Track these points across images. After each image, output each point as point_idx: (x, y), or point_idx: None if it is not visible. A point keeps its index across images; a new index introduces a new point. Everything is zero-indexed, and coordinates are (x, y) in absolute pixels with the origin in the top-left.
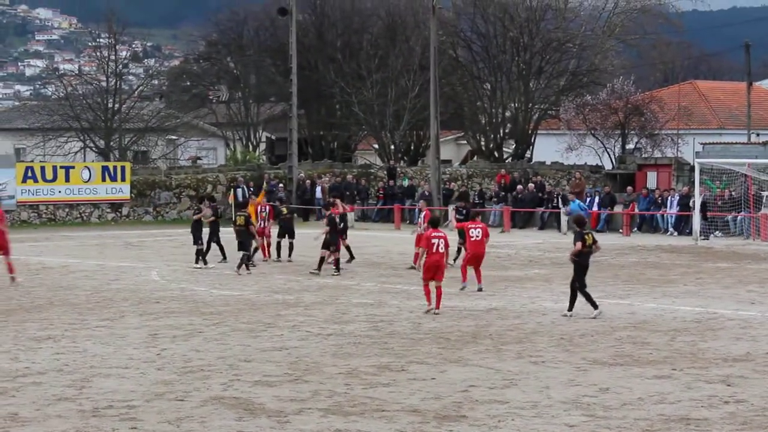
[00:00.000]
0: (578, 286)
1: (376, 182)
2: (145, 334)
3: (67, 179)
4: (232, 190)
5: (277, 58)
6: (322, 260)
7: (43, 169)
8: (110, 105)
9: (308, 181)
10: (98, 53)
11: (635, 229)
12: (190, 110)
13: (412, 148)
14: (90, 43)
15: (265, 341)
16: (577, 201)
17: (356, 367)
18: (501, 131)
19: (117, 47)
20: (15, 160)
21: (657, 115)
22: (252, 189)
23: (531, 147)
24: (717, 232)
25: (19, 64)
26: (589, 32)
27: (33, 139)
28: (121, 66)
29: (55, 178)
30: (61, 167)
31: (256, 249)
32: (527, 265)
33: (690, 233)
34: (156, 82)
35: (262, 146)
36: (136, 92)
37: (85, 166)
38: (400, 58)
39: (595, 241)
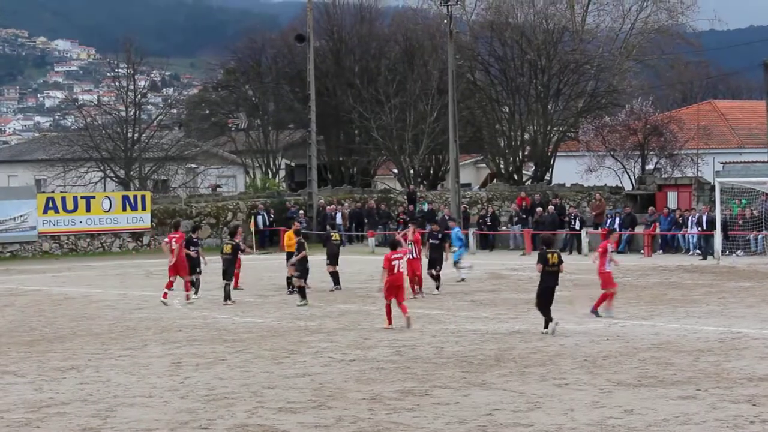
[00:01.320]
0: (537, 303)
1: (396, 207)
2: (169, 362)
3: (88, 209)
4: (252, 217)
5: (296, 85)
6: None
7: (63, 199)
8: (130, 134)
9: (329, 207)
10: (117, 83)
11: (658, 250)
12: (210, 138)
13: (432, 172)
14: (109, 74)
15: (288, 368)
16: (456, 228)
17: (380, 392)
18: (520, 154)
19: (135, 77)
20: (36, 191)
21: (676, 135)
22: (272, 216)
23: (550, 169)
24: (739, 251)
25: (39, 95)
26: (606, 53)
27: (53, 170)
28: (140, 95)
29: (75, 209)
30: (82, 197)
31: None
32: None
33: (711, 253)
34: (175, 111)
35: (282, 173)
36: (155, 121)
37: (106, 196)
38: (418, 82)
39: (561, 261)
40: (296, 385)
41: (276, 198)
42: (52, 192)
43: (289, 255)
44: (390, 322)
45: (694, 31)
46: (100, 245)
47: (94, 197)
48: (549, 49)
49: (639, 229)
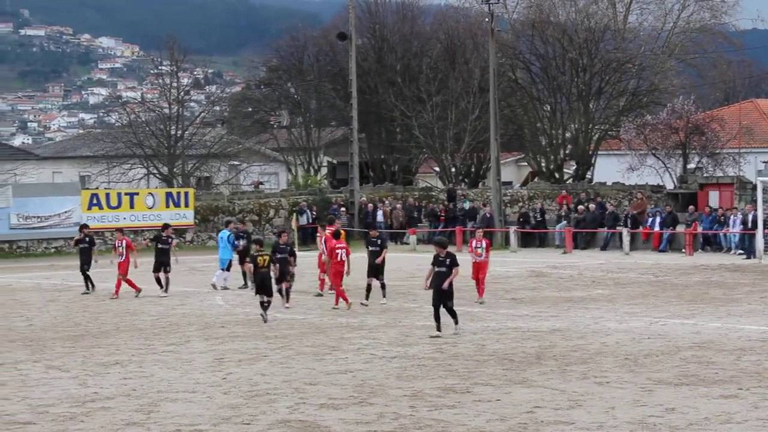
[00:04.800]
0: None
1: (438, 205)
2: (211, 358)
3: (132, 206)
4: (295, 214)
5: (337, 83)
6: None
7: (107, 196)
8: (173, 132)
9: (370, 205)
10: (160, 81)
11: (699, 249)
12: (252, 136)
13: (473, 170)
14: (152, 71)
15: (330, 364)
16: (227, 231)
17: (421, 389)
18: (561, 152)
19: (179, 74)
20: (80, 187)
21: (718, 134)
22: (315, 213)
23: (592, 167)
24: None
25: (83, 92)
26: (648, 52)
27: (97, 167)
28: (183, 93)
29: (119, 205)
30: (126, 194)
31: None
32: (590, 286)
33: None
34: (218, 108)
35: (324, 170)
36: (198, 119)
37: (149, 193)
38: (460, 80)
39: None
40: (338, 382)
41: (318, 195)
42: (96, 188)
43: None
44: (348, 301)
45: (736, 30)
46: (143, 241)
47: (137, 194)
48: (591, 47)
49: (680, 228)
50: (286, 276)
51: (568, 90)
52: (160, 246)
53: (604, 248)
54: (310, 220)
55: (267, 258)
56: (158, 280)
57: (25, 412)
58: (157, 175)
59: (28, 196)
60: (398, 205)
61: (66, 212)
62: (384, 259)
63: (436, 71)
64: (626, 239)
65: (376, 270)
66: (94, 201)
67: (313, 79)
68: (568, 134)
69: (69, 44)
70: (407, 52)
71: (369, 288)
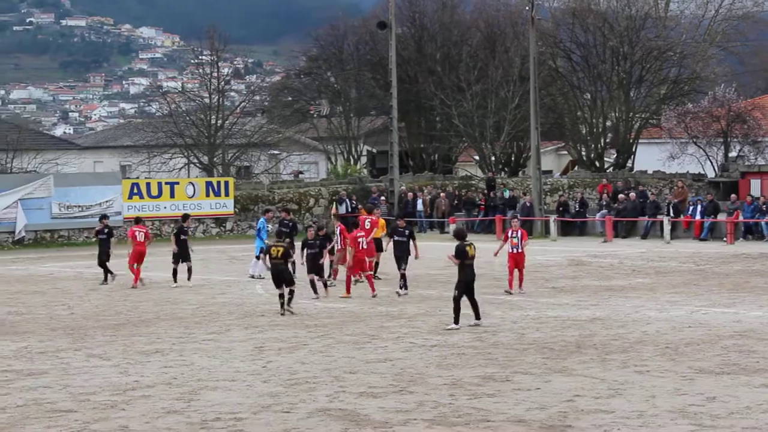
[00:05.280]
0: (455, 295)
1: (477, 194)
2: (251, 346)
3: (172, 195)
4: (334, 203)
5: (377, 72)
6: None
7: (148, 185)
8: (213, 121)
9: (410, 194)
10: (201, 70)
11: (740, 237)
12: (292, 125)
13: (513, 158)
14: (192, 61)
15: (369, 353)
16: (263, 219)
17: (460, 377)
18: (602, 141)
19: (219, 64)
20: (121, 176)
21: (760, 122)
22: (355, 202)
23: (632, 156)
24: None
25: (124, 82)
26: (689, 40)
27: (138, 156)
28: (223, 82)
29: (160, 194)
30: (166, 183)
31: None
32: (630, 275)
33: None
34: (258, 97)
35: (363, 159)
36: (238, 108)
37: (190, 182)
38: (500, 69)
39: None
40: (377, 370)
41: (357, 184)
42: (137, 178)
43: (377, 241)
44: (349, 292)
45: None
46: None
47: (178, 183)
48: (632, 35)
49: (721, 217)
50: (316, 271)
51: (609, 78)
52: (182, 237)
53: (644, 237)
54: (350, 210)
55: (281, 249)
56: (175, 273)
57: (67, 399)
58: (198, 165)
59: (69, 186)
60: (442, 194)
61: (107, 201)
62: (410, 250)
63: (476, 60)
64: (667, 228)
65: (400, 260)
66: (135, 190)
67: (353, 69)
68: (608, 123)
69: (110, 34)
70: (447, 40)
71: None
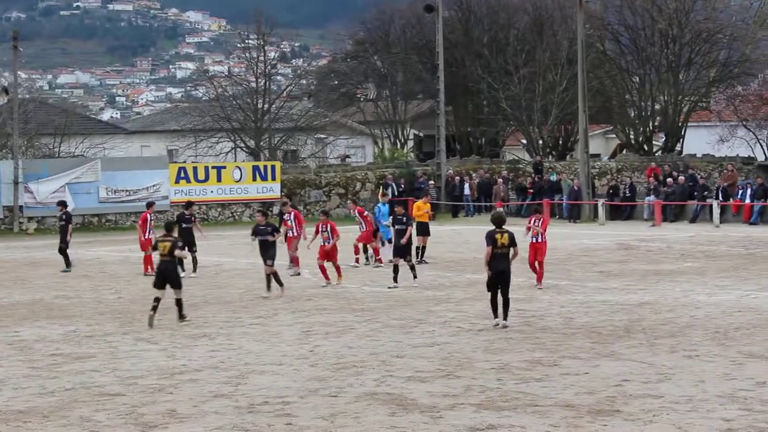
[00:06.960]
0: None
1: (525, 178)
2: (298, 331)
3: (219, 179)
4: (381, 187)
5: (424, 55)
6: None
7: (195, 169)
8: (260, 105)
9: (457, 178)
10: (247, 54)
11: None
12: (339, 109)
13: (561, 142)
14: (239, 45)
15: (416, 337)
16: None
17: (508, 362)
18: (650, 124)
19: (265, 48)
20: (168, 161)
21: None
22: (403, 186)
23: (681, 139)
24: None
25: (171, 67)
26: (739, 22)
27: (185, 140)
28: (269, 67)
29: (207, 179)
30: (213, 167)
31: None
32: (679, 259)
33: None
34: (304, 81)
35: (410, 143)
36: (284, 92)
37: (236, 166)
38: (548, 52)
39: (514, 244)
40: (424, 355)
41: (404, 168)
42: (184, 162)
43: (420, 225)
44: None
45: None
46: (230, 215)
47: (224, 167)
48: (681, 18)
49: None
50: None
51: (658, 61)
52: (184, 225)
53: (693, 221)
54: (396, 194)
55: (168, 245)
56: (180, 262)
57: (115, 383)
58: (244, 149)
59: (116, 170)
60: (500, 180)
61: (154, 185)
62: (409, 238)
63: (524, 43)
64: (716, 212)
65: (402, 250)
66: (182, 174)
67: (400, 52)
68: (657, 106)
69: (156, 18)
70: (494, 24)
71: (396, 269)
